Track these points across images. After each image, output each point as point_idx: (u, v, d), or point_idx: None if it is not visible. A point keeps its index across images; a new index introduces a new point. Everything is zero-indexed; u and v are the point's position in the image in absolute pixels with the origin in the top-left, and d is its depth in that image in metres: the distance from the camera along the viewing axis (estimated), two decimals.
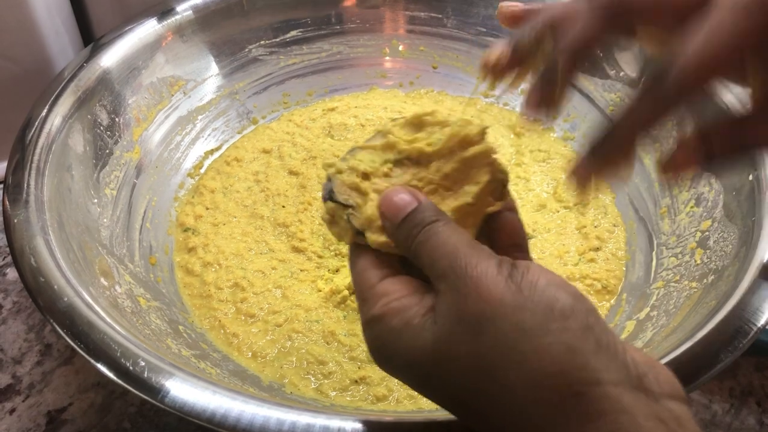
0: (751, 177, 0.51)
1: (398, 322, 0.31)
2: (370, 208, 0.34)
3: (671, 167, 0.34)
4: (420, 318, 0.30)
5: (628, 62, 0.66)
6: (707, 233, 0.53)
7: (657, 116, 0.32)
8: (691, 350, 0.41)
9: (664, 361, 0.40)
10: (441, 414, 0.46)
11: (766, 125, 0.31)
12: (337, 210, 0.35)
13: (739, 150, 0.33)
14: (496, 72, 0.37)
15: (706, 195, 0.55)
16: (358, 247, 0.35)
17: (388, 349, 0.31)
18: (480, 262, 0.30)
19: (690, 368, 0.40)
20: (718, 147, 0.32)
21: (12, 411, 0.50)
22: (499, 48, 0.36)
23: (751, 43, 0.28)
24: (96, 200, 0.55)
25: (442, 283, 0.30)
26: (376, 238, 0.34)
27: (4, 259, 0.60)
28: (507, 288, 0.28)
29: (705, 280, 0.49)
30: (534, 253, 0.58)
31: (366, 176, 0.36)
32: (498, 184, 0.35)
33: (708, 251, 0.52)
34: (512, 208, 0.36)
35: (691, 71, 0.29)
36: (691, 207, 0.56)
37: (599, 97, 0.68)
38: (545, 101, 0.35)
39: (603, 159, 0.33)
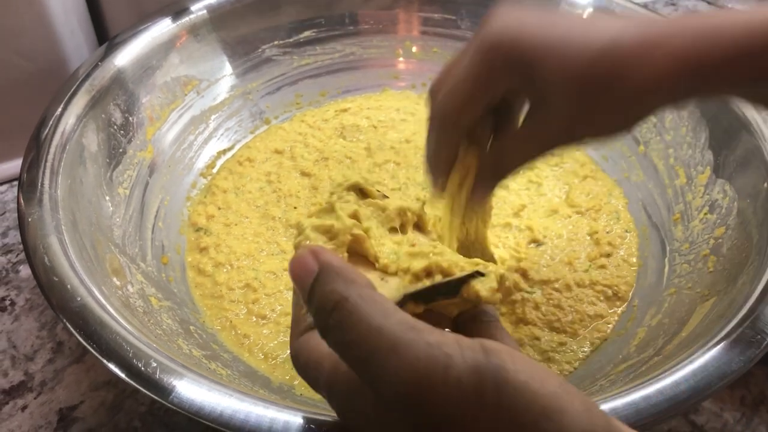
0: (766, 184, 0.51)
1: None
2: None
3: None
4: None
5: None
6: (721, 240, 0.52)
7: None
8: (702, 360, 0.40)
9: (675, 369, 0.40)
10: None
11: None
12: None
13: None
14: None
15: (720, 202, 0.55)
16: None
17: None
18: (434, 370, 0.23)
19: (701, 378, 0.40)
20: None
21: (24, 408, 0.51)
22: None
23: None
24: (109, 199, 0.55)
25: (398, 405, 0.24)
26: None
27: (17, 257, 0.61)
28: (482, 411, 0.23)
29: (718, 288, 0.49)
30: (543, 260, 0.58)
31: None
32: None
33: (721, 259, 0.51)
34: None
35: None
36: (705, 214, 0.56)
37: None
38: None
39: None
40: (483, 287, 0.32)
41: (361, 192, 0.39)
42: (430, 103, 0.41)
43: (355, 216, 0.36)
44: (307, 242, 0.35)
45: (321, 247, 0.30)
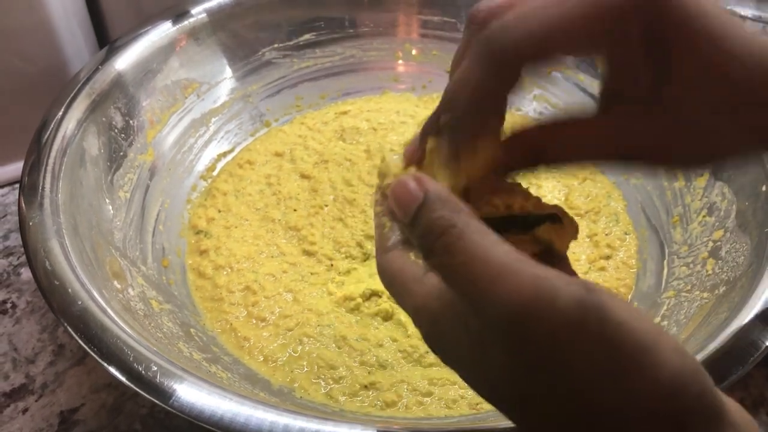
0: (765, 187, 0.51)
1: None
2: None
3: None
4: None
5: None
6: (719, 243, 0.53)
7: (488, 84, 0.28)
8: (701, 363, 0.40)
9: None
10: (448, 423, 0.46)
11: (608, 129, 0.30)
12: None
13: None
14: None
15: (719, 204, 0.55)
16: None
17: None
18: (549, 305, 0.23)
19: None
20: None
21: (25, 410, 0.51)
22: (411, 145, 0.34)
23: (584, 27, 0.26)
24: (109, 202, 0.56)
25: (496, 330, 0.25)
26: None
27: (18, 259, 0.61)
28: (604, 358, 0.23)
29: (717, 291, 0.49)
30: None
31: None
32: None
33: (720, 261, 0.51)
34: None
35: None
36: (704, 216, 0.56)
37: None
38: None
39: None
40: (556, 233, 0.32)
41: None
42: (474, 23, 0.29)
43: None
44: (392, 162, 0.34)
45: (424, 175, 0.30)
